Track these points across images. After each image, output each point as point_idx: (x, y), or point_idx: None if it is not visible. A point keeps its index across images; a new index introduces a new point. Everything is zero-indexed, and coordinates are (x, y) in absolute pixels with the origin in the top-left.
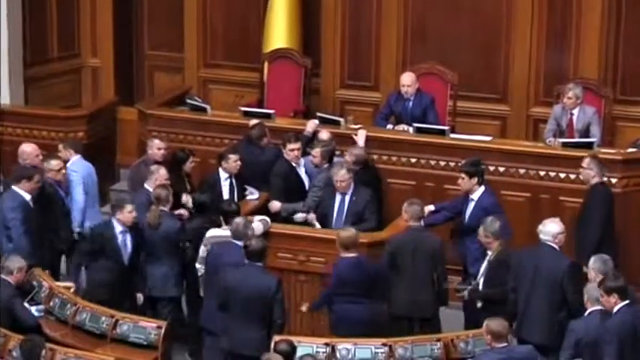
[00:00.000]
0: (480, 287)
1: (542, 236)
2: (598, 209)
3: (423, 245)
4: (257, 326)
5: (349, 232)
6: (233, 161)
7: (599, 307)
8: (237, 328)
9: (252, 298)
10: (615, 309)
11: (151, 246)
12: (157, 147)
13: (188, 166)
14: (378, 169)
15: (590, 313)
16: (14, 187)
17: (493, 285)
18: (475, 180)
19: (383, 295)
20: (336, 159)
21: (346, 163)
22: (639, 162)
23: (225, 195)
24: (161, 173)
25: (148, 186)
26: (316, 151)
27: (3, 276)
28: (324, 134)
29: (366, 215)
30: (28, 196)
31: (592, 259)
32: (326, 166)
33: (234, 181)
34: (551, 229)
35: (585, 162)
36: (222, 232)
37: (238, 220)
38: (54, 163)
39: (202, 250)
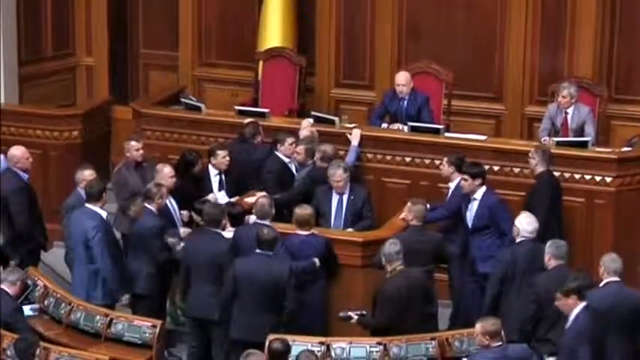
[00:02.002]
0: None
1: (524, 233)
2: (542, 197)
3: (427, 243)
4: (268, 314)
5: (305, 209)
6: (221, 157)
7: (616, 278)
8: (248, 317)
9: (266, 287)
10: (574, 313)
11: (131, 240)
12: (134, 149)
13: (197, 168)
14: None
15: (606, 284)
16: (90, 207)
17: (373, 314)
18: (479, 181)
19: None
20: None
21: (319, 161)
22: (634, 161)
23: (216, 191)
24: (165, 172)
25: None
26: (300, 149)
27: (4, 287)
28: (305, 131)
29: (364, 214)
30: (104, 213)
31: (547, 244)
32: (310, 162)
33: (223, 177)
34: (530, 225)
35: (530, 152)
36: (225, 234)
37: (262, 200)
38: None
39: None
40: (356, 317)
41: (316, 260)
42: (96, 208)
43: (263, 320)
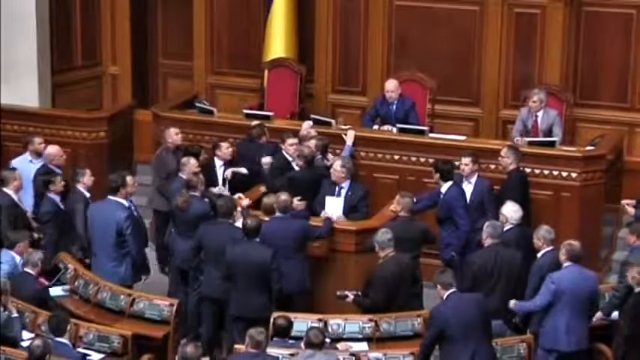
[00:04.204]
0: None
1: (512, 220)
2: (513, 191)
3: (414, 232)
4: (259, 293)
5: (271, 199)
6: (225, 149)
7: (552, 247)
8: (242, 296)
9: (253, 269)
10: (444, 297)
11: (184, 225)
12: (174, 133)
13: (201, 158)
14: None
15: (544, 254)
16: (114, 198)
17: (365, 294)
18: (437, 175)
19: None
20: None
21: (298, 159)
22: (596, 159)
23: (220, 180)
24: (192, 163)
25: (182, 175)
26: (311, 143)
27: (28, 269)
28: (305, 132)
29: (358, 207)
30: (127, 203)
31: (485, 224)
32: (319, 156)
33: (226, 167)
34: (517, 213)
35: (503, 151)
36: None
37: (284, 197)
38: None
39: None
40: (352, 296)
41: (332, 217)
42: (119, 199)
43: (255, 299)
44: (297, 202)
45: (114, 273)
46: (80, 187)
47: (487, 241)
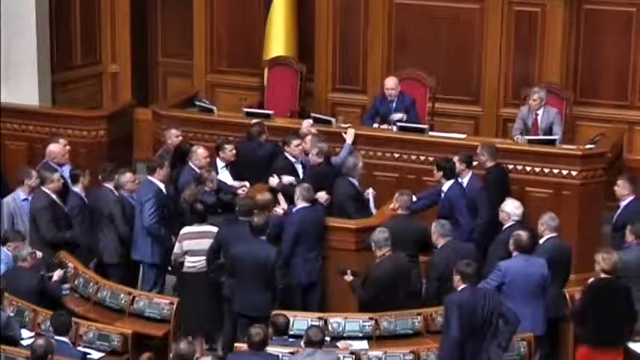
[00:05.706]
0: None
1: (513, 217)
2: (497, 186)
3: (412, 231)
4: (262, 291)
5: (265, 196)
6: (229, 150)
7: (554, 234)
8: (246, 293)
9: (257, 267)
10: (459, 289)
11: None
12: (175, 135)
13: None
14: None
15: (547, 239)
16: (149, 178)
17: (362, 284)
18: (441, 173)
19: None
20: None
21: (312, 156)
22: (596, 157)
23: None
24: (199, 152)
25: (192, 164)
26: (307, 139)
27: (20, 264)
28: (305, 130)
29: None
30: (162, 185)
31: (433, 224)
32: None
33: (229, 169)
34: (518, 209)
35: (478, 150)
36: (196, 228)
37: (307, 185)
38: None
39: (177, 247)
40: (350, 278)
41: None
42: (154, 179)
43: (257, 297)
44: (325, 196)
45: (144, 250)
46: (110, 185)
47: (439, 241)
